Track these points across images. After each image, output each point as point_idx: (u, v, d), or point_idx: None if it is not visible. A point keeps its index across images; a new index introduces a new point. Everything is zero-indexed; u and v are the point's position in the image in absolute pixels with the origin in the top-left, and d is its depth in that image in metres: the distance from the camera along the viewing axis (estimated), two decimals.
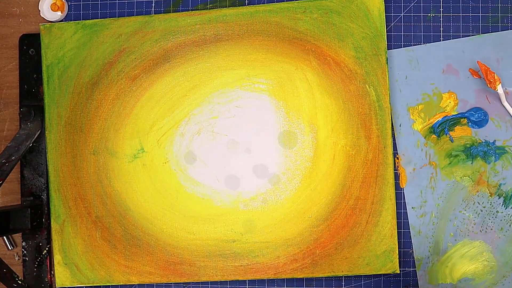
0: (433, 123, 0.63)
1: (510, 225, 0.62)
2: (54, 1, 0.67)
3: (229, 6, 0.66)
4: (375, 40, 0.63)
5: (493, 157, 0.62)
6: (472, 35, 0.63)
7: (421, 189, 0.63)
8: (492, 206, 0.62)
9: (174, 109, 0.65)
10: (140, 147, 0.66)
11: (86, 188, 0.66)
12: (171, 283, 0.67)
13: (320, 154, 0.63)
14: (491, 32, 0.63)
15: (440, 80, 0.63)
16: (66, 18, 0.68)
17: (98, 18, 0.68)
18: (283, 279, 0.65)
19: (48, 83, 0.67)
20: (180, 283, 0.67)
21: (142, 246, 0.66)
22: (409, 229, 0.64)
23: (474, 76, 0.63)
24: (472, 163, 0.63)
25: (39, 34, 0.67)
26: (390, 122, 0.63)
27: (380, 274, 0.64)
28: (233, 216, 0.65)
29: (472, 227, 0.63)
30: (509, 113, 0.62)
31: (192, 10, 0.67)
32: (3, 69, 0.70)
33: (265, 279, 0.65)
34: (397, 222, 0.63)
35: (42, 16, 0.68)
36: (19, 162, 0.67)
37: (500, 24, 0.63)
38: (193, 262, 0.65)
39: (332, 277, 0.64)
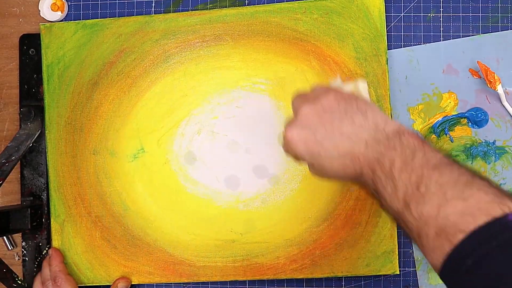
0: (433, 123, 0.63)
1: None
2: (54, 1, 0.67)
3: (229, 6, 0.66)
4: (375, 40, 0.63)
5: (493, 157, 0.62)
6: (472, 35, 0.63)
7: None
8: None
9: (174, 109, 0.65)
10: (140, 147, 0.66)
11: (86, 188, 0.66)
12: (171, 283, 0.67)
13: None
14: (491, 32, 0.63)
15: (440, 80, 0.63)
16: (66, 18, 0.68)
17: (98, 18, 0.68)
18: (283, 279, 0.65)
19: (48, 83, 0.67)
20: (180, 283, 0.67)
21: (141, 246, 0.66)
22: None
23: (474, 76, 0.63)
24: (472, 163, 0.63)
25: (39, 34, 0.67)
26: None
27: (380, 274, 0.64)
28: (233, 216, 0.65)
29: None
30: (509, 113, 0.62)
31: (192, 10, 0.67)
32: (3, 69, 0.70)
33: (265, 279, 0.65)
34: None
35: (42, 16, 0.68)
36: (19, 162, 0.67)
37: (500, 24, 0.63)
38: (193, 262, 0.65)
39: (332, 277, 0.64)
